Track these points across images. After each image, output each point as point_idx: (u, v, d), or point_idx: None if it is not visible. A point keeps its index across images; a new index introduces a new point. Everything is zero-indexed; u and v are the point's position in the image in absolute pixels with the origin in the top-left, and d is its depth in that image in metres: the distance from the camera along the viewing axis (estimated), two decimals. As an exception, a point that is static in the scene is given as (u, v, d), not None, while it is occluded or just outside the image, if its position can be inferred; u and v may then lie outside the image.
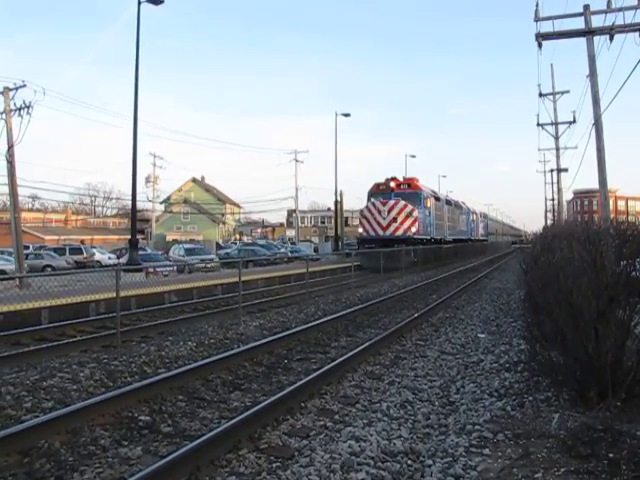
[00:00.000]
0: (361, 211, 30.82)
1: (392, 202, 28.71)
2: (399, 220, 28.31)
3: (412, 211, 28.36)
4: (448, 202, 39.40)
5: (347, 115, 43.08)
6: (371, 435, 4.71)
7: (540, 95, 26.12)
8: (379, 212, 28.66)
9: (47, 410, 5.49)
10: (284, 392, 5.60)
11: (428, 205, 31.58)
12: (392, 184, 30.27)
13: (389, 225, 28.40)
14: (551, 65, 28.30)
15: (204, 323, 10.43)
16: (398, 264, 23.74)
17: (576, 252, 5.51)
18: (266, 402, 5.27)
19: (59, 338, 9.07)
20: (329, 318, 10.95)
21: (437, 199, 34.82)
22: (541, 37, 13.64)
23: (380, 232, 28.45)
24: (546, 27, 13.52)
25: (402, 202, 28.61)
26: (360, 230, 30.03)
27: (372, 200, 30.01)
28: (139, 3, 22.04)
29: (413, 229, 28.21)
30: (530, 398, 5.43)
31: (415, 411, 5.43)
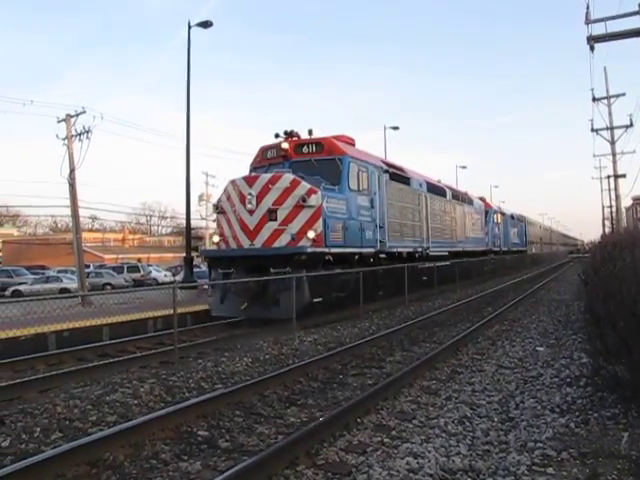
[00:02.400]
0: (215, 203, 15.04)
1: (266, 179, 13.43)
2: (282, 217, 13.18)
3: (309, 194, 12.85)
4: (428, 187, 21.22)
5: (396, 128, 42.92)
6: (429, 452, 4.64)
7: (594, 100, 25.38)
8: (242, 201, 13.53)
9: (111, 424, 5.65)
10: (340, 408, 5.60)
11: (364, 187, 15.21)
12: (285, 145, 14.81)
13: (259, 228, 13.35)
14: (604, 68, 27.38)
15: (259, 339, 10.52)
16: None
17: (640, 261, 5.32)
18: (323, 418, 5.28)
19: (120, 354, 9.35)
20: (384, 332, 10.89)
21: (398, 179, 17.87)
22: (593, 40, 13.32)
23: (243, 242, 13.52)
24: (598, 29, 13.22)
25: (289, 177, 13.32)
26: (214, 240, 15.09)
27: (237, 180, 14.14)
28: (189, 27, 22.72)
29: (311, 234, 12.78)
30: (595, 415, 5.23)
31: (474, 427, 5.33)
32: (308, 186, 13.09)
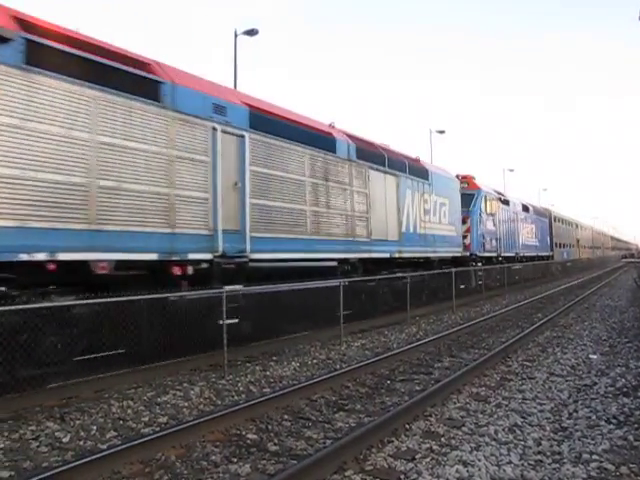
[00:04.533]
0: None
1: None
2: None
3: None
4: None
5: (442, 132, 42.65)
6: (479, 460, 4.58)
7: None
8: None
9: (162, 424, 5.79)
10: (389, 414, 5.58)
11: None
12: None
13: None
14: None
15: (306, 343, 10.58)
16: None
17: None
18: (371, 423, 5.27)
19: (170, 357, 9.49)
20: (431, 338, 10.80)
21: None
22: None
23: None
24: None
25: None
26: None
27: None
28: (235, 36, 23.09)
29: None
30: (655, 427, 5.06)
31: (525, 436, 5.22)
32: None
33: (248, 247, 9.54)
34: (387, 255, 14.15)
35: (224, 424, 5.59)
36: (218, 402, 6.67)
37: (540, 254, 32.99)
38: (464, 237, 20.29)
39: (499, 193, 26.25)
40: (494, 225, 23.93)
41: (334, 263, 11.80)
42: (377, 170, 14.05)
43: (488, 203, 23.27)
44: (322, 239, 11.60)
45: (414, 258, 15.87)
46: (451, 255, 18.42)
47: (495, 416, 5.86)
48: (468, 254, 20.43)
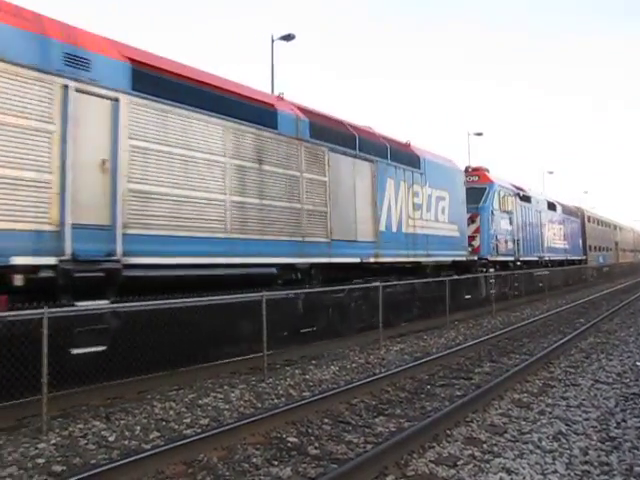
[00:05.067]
0: None
1: None
2: None
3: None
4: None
5: (479, 134, 42.35)
6: (523, 468, 4.50)
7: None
8: None
9: (204, 426, 5.87)
10: (429, 419, 5.54)
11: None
12: None
13: None
14: None
15: (345, 347, 10.58)
16: None
17: None
18: (412, 428, 5.24)
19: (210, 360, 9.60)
20: (471, 343, 10.67)
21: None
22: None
23: None
24: None
25: None
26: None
27: None
28: (272, 41, 23.31)
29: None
30: None
31: (570, 445, 5.10)
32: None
33: (119, 248, 7.13)
34: (357, 260, 11.35)
35: (265, 427, 5.63)
36: (258, 405, 6.72)
37: (570, 258, 29.27)
38: (471, 238, 17.59)
39: (518, 188, 22.45)
40: (510, 224, 20.40)
41: (272, 270, 9.34)
42: (343, 154, 11.32)
43: (503, 199, 19.87)
44: (252, 239, 8.97)
45: (398, 263, 12.92)
46: (451, 259, 15.36)
47: (538, 423, 5.75)
48: (476, 258, 17.36)
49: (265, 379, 7.88)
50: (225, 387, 7.50)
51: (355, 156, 11.73)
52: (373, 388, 7.27)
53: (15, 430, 5.74)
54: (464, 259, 16.19)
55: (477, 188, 18.79)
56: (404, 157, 13.59)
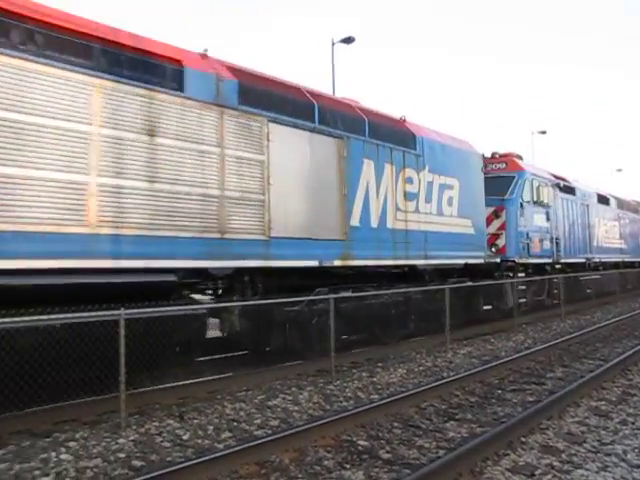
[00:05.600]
0: None
1: None
2: None
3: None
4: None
5: (543, 132, 41.50)
6: (608, 482, 4.32)
7: None
8: None
9: (274, 427, 5.93)
10: (503, 425, 5.40)
11: None
12: None
13: None
14: None
15: (411, 350, 10.49)
16: None
17: None
18: (486, 435, 5.13)
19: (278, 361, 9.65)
20: (541, 347, 10.37)
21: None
22: None
23: None
24: None
25: None
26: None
27: None
28: (332, 44, 23.41)
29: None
30: None
31: (659, 459, 4.85)
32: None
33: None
34: (313, 263, 8.92)
35: (335, 429, 5.64)
36: (327, 407, 6.74)
37: (628, 259, 25.31)
38: (495, 236, 14.77)
39: (559, 178, 18.87)
40: (547, 220, 16.89)
41: (167, 278, 7.11)
42: (293, 126, 8.87)
43: (537, 190, 16.25)
44: (134, 236, 6.77)
45: (380, 267, 10.47)
46: (463, 262, 12.57)
47: (621, 434, 5.51)
48: (498, 260, 14.34)
49: (333, 381, 7.90)
50: (293, 389, 7.56)
51: (313, 130, 9.18)
52: (442, 392, 7.17)
53: (96, 425, 6.00)
54: (481, 261, 13.22)
55: (504, 177, 15.53)
56: (392, 134, 10.89)
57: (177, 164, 7.28)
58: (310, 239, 8.92)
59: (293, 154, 8.82)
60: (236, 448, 4.96)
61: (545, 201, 16.70)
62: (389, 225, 10.51)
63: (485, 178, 13.97)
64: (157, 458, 5.04)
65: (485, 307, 13.27)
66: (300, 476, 4.63)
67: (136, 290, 6.70)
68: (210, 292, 8.18)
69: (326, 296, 8.68)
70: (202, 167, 7.55)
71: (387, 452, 5.13)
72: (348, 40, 23.63)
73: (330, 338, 8.10)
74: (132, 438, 5.54)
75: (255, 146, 8.23)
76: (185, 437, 5.60)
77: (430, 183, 11.70)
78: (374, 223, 10.19)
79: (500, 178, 15.34)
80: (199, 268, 7.54)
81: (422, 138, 11.68)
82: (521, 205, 15.44)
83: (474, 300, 12.96)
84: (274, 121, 8.53)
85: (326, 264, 9.12)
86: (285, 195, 8.60)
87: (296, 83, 9.60)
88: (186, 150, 7.39)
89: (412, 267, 11.09)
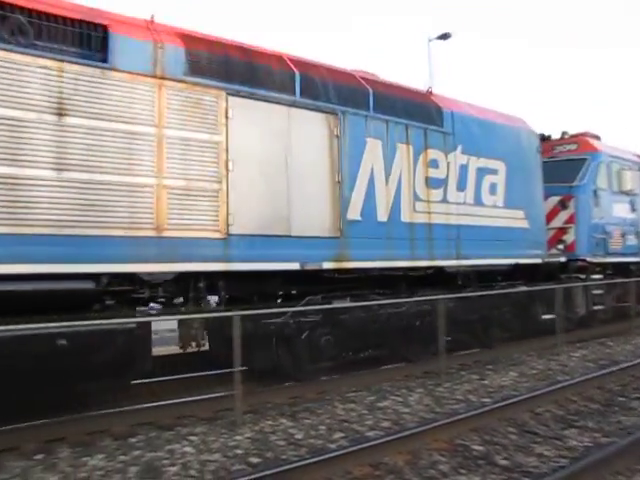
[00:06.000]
0: None
1: None
2: None
3: None
4: None
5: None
6: None
7: None
8: None
9: (385, 429, 5.91)
10: (633, 437, 5.08)
11: None
12: None
13: None
14: None
15: (520, 352, 10.12)
16: None
17: None
18: (615, 446, 4.85)
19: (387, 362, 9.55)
20: (666, 352, 9.68)
21: None
22: None
23: None
24: None
25: None
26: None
27: None
28: (429, 41, 23.03)
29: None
30: None
31: None
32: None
33: None
34: (292, 265, 7.41)
35: (448, 433, 5.54)
36: (438, 410, 6.64)
37: None
38: (561, 231, 12.38)
39: None
40: (633, 211, 13.94)
41: (85, 285, 6.00)
42: (264, 100, 7.41)
43: (616, 174, 13.33)
44: (35, 235, 5.66)
45: (393, 269, 8.63)
46: (512, 262, 10.36)
47: None
48: (562, 260, 11.79)
49: (442, 383, 7.79)
50: (403, 390, 7.51)
51: (293, 104, 7.69)
52: (558, 397, 6.86)
53: (213, 421, 6.28)
54: (539, 261, 10.97)
55: (572, 160, 12.79)
56: (408, 108, 9.05)
57: (95, 148, 6.04)
58: (287, 236, 7.42)
59: (263, 133, 7.34)
60: (350, 449, 5.00)
61: (628, 188, 13.65)
62: (404, 218, 8.72)
63: (549, 163, 12.13)
64: (272, 455, 5.17)
65: (546, 316, 10.96)
66: (415, 480, 4.59)
67: (44, 300, 5.59)
68: (161, 300, 6.88)
69: (296, 309, 7.51)
70: (132, 151, 6.29)
71: (504, 458, 4.98)
72: (445, 36, 23.15)
73: (438, 339, 8.01)
74: (248, 435, 5.73)
75: (208, 125, 6.88)
76: (298, 436, 5.70)
77: (464, 167, 9.74)
78: (382, 216, 8.45)
79: (568, 162, 12.83)
80: (127, 273, 6.27)
81: (452, 113, 9.78)
82: (595, 193, 12.70)
83: (531, 308, 10.86)
84: (236, 94, 7.13)
85: (311, 267, 7.56)
86: (251, 183, 7.14)
87: (277, 51, 8.03)
88: (108, 131, 6.16)
89: (439, 269, 9.24)
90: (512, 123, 11.14)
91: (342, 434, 5.79)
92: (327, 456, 4.84)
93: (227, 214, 6.87)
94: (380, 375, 8.31)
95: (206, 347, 7.80)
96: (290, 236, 7.43)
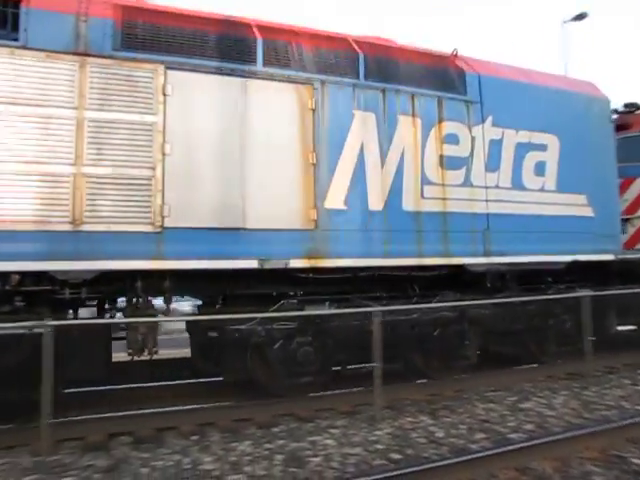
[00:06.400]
0: None
1: None
2: None
3: None
4: None
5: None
6: None
7: None
8: None
9: (529, 432, 5.68)
10: None
11: None
12: None
13: None
14: None
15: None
16: None
17: None
18: None
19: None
20: None
21: None
22: None
23: None
24: None
25: None
26: None
27: None
28: (563, 23, 21.90)
29: None
30: None
31: None
32: None
33: None
34: (248, 264, 6.37)
35: (600, 441, 5.20)
36: (586, 415, 6.26)
37: None
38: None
39: None
40: None
41: None
42: (218, 72, 6.52)
43: None
44: None
45: (391, 268, 7.27)
46: (567, 258, 8.42)
47: None
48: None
49: (589, 387, 7.35)
50: (545, 392, 7.20)
51: (252, 75, 6.67)
52: None
53: (352, 415, 6.40)
54: (610, 258, 8.86)
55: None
56: (414, 73, 7.70)
57: (3, 135, 5.57)
58: (241, 229, 6.41)
59: (211, 111, 6.41)
60: (494, 450, 4.89)
61: None
62: (408, 207, 7.35)
63: (622, 139, 10.03)
64: (413, 453, 5.16)
65: (622, 327, 9.55)
66: (567, 489, 4.38)
67: None
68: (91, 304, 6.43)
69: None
70: (45, 137, 5.71)
71: (671, 476, 4.59)
72: (580, 17, 21.75)
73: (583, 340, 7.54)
74: (388, 431, 5.77)
75: (141, 104, 6.11)
76: (438, 434, 5.65)
77: (496, 142, 8.07)
78: (376, 204, 7.15)
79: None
80: (37, 272, 5.65)
81: (478, 77, 8.13)
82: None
83: (603, 317, 8.88)
84: (176, 68, 6.30)
85: (273, 265, 6.49)
86: (194, 169, 6.26)
87: (240, 18, 7.02)
88: (16, 116, 5.61)
89: (458, 267, 7.66)
90: (572, 88, 9.18)
91: (484, 434, 5.65)
92: (470, 457, 4.76)
93: (162, 204, 6.06)
94: (518, 375, 8.02)
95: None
96: (245, 229, 6.43)
